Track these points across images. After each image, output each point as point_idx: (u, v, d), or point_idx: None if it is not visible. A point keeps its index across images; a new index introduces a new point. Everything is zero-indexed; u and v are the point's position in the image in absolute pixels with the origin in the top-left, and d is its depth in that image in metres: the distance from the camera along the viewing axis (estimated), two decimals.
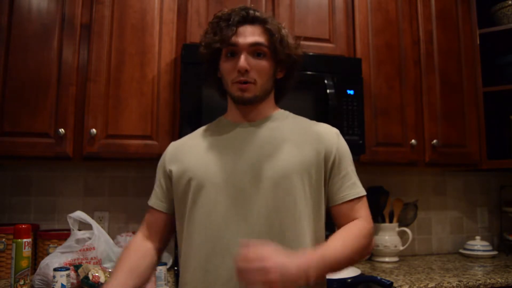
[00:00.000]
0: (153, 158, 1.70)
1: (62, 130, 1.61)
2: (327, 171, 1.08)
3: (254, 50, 1.05)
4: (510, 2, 2.18)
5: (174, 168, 1.12)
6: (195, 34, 1.78)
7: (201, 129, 1.20)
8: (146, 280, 1.09)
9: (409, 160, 1.99)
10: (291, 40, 1.11)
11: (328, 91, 1.75)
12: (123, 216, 1.97)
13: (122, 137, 1.68)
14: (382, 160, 1.96)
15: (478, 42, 2.16)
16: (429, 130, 2.03)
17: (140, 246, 1.13)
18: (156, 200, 1.16)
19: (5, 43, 1.60)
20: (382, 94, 1.98)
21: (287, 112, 1.18)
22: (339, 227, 1.09)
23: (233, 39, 1.04)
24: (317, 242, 1.04)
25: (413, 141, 1.98)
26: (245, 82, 1.04)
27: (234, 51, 1.06)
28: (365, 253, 1.05)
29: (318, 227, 1.07)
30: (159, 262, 1.19)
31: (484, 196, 2.51)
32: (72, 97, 1.65)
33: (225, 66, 1.07)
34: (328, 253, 0.95)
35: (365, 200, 1.11)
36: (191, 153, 1.11)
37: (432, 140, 2.02)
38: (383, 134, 1.95)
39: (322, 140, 1.09)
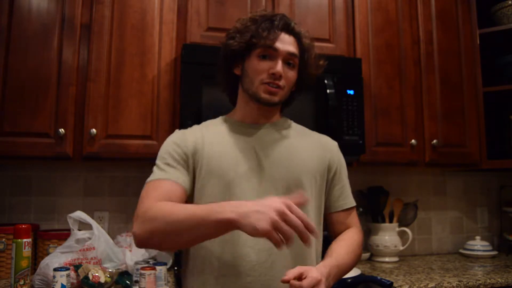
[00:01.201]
0: (153, 158, 1.70)
1: (62, 130, 1.61)
2: (329, 179, 1.17)
3: (289, 59, 1.10)
4: (510, 2, 2.18)
5: (199, 161, 1.07)
6: (195, 34, 1.78)
7: (208, 124, 1.18)
8: None
9: (409, 160, 1.99)
10: (318, 60, 1.17)
11: (328, 91, 1.75)
12: (123, 216, 1.97)
13: (122, 137, 1.68)
14: (382, 160, 1.96)
15: (478, 42, 2.16)
16: (429, 130, 2.03)
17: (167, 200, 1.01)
18: (177, 173, 1.05)
19: (5, 43, 1.60)
20: (382, 94, 1.98)
21: (288, 119, 1.24)
22: (334, 233, 1.19)
23: (276, 43, 1.07)
24: (318, 243, 1.14)
25: (413, 141, 1.98)
26: (277, 86, 1.08)
27: (271, 55, 1.08)
28: (360, 258, 1.16)
29: (319, 229, 1.14)
30: None
31: (484, 196, 2.51)
32: (72, 97, 1.65)
33: (257, 66, 1.08)
34: (341, 262, 1.03)
35: (355, 209, 1.23)
36: (217, 151, 1.08)
37: (432, 140, 2.02)
38: (383, 134, 1.95)
39: (326, 150, 1.18)
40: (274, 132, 1.15)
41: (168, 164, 1.07)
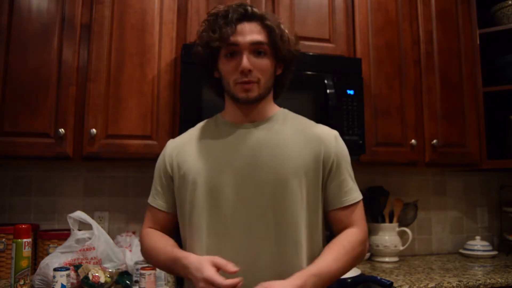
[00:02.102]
0: (153, 158, 1.69)
1: (62, 130, 1.61)
2: (325, 175, 1.07)
3: (255, 48, 1.03)
4: (510, 2, 2.18)
5: (174, 168, 1.10)
6: (195, 34, 1.77)
7: (199, 127, 1.18)
8: None
9: (409, 160, 1.99)
10: (290, 35, 1.09)
11: (328, 91, 1.75)
12: (123, 216, 1.97)
13: (122, 137, 1.68)
14: (382, 160, 1.96)
15: (478, 42, 2.16)
16: (429, 130, 2.03)
17: (156, 231, 1.14)
18: (159, 201, 1.14)
19: (5, 43, 1.60)
20: (382, 94, 1.98)
21: (286, 111, 1.16)
22: (335, 232, 1.10)
23: (233, 38, 1.01)
24: (313, 247, 1.05)
25: (413, 141, 1.98)
26: (249, 82, 1.03)
27: (235, 51, 1.03)
28: (361, 259, 1.08)
29: (315, 230, 1.06)
30: None
31: (484, 196, 2.51)
32: (72, 97, 1.65)
33: (226, 66, 1.05)
34: (323, 270, 0.96)
35: (361, 205, 1.10)
36: (191, 154, 1.10)
37: (432, 140, 2.02)
38: (383, 134, 1.95)
39: (321, 143, 1.07)
40: (263, 130, 1.08)
41: (155, 188, 1.15)
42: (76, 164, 1.81)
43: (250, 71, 1.02)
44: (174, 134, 1.71)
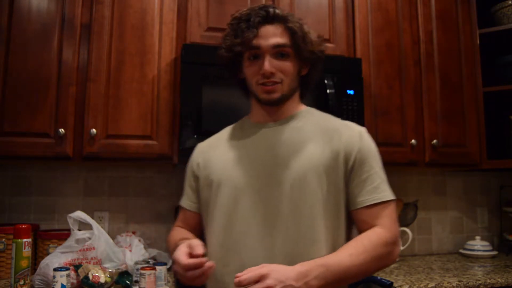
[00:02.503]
0: (153, 158, 1.71)
1: (62, 130, 1.61)
2: (347, 173, 1.03)
3: (277, 51, 1.04)
4: (510, 2, 2.18)
5: (200, 169, 1.14)
6: (195, 34, 1.78)
7: (227, 129, 1.21)
8: None
9: (409, 160, 1.99)
10: (313, 36, 1.09)
11: (328, 91, 1.75)
12: (123, 216, 1.97)
13: (122, 137, 1.68)
14: (382, 160, 1.95)
15: (478, 42, 2.16)
16: (429, 130, 2.03)
17: (180, 228, 1.20)
18: (187, 201, 1.20)
19: (5, 43, 1.60)
20: (382, 94, 1.98)
21: (312, 109, 1.15)
22: (359, 233, 1.04)
23: (255, 41, 1.02)
24: (335, 248, 1.00)
25: (413, 141, 1.98)
26: (272, 84, 1.03)
27: (257, 54, 1.04)
28: (386, 262, 1.01)
29: (336, 230, 1.03)
30: None
31: (484, 196, 2.51)
32: (72, 97, 1.65)
33: (249, 69, 1.06)
34: (332, 262, 0.92)
35: (390, 205, 1.03)
36: (215, 155, 1.13)
37: (432, 140, 2.02)
38: (383, 134, 1.95)
39: (342, 140, 1.04)
40: (285, 129, 1.08)
41: (185, 189, 1.21)
42: (76, 164, 1.81)
43: (272, 73, 1.03)
44: (174, 134, 1.72)
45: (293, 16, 1.07)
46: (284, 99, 1.07)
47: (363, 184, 1.02)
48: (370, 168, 1.04)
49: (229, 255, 1.01)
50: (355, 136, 1.05)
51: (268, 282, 0.82)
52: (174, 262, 0.92)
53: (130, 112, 1.69)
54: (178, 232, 1.18)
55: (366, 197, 1.02)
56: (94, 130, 1.63)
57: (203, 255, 0.90)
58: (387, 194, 1.04)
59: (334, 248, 1.00)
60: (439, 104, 2.07)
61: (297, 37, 1.04)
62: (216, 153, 1.14)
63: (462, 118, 2.10)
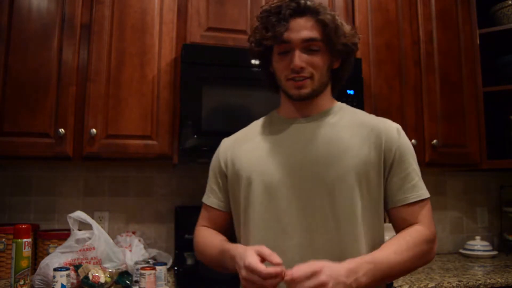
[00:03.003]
0: (153, 158, 1.71)
1: (62, 130, 1.61)
2: (386, 170, 1.01)
3: (308, 45, 1.00)
4: (510, 2, 2.18)
5: (228, 166, 1.11)
6: (195, 34, 1.78)
7: (254, 124, 1.17)
8: None
9: None
10: (346, 28, 1.04)
11: None
12: (123, 216, 1.97)
13: (122, 137, 1.68)
14: None
15: (478, 42, 2.16)
16: (429, 130, 2.03)
17: (207, 229, 1.15)
18: (214, 199, 1.15)
19: (5, 43, 1.60)
20: (382, 94, 1.98)
21: (344, 105, 1.12)
22: (397, 231, 1.04)
23: (286, 35, 0.99)
24: (375, 245, 0.99)
25: (413, 141, 1.97)
26: (302, 79, 1.01)
27: (288, 48, 1.01)
28: (427, 259, 1.00)
29: (376, 230, 1.02)
30: None
31: (484, 196, 2.51)
32: (72, 97, 1.65)
33: (279, 64, 1.04)
34: (379, 259, 0.91)
35: (427, 203, 1.03)
36: (244, 150, 1.09)
37: (432, 140, 2.02)
38: None
39: (381, 138, 1.01)
40: (317, 124, 1.05)
41: (210, 187, 1.17)
42: (76, 164, 1.81)
43: (302, 68, 1.00)
44: (174, 134, 1.72)
45: (325, 8, 1.02)
46: (314, 95, 1.04)
47: (402, 182, 1.01)
48: (409, 166, 1.03)
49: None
50: (393, 132, 1.03)
51: (322, 278, 0.80)
52: (244, 268, 0.86)
53: (130, 112, 1.69)
54: (211, 233, 1.12)
55: (406, 195, 1.01)
56: (94, 130, 1.63)
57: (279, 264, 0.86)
58: (424, 192, 1.04)
59: (373, 246, 0.98)
60: (439, 104, 2.07)
61: (328, 30, 1.00)
62: (245, 148, 1.10)
63: (462, 118, 2.10)
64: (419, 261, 0.97)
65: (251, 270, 0.84)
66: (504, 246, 2.33)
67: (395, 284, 1.57)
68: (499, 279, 1.66)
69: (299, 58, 0.99)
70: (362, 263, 0.88)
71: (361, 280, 0.86)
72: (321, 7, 1.02)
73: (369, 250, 0.97)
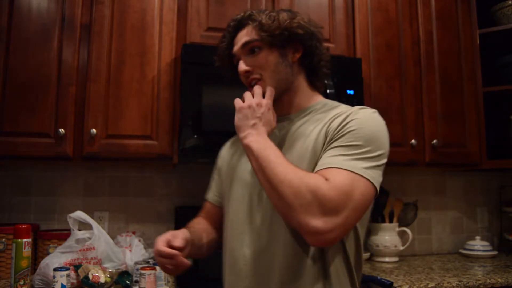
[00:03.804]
0: (153, 158, 1.70)
1: (62, 130, 1.61)
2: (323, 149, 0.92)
3: (248, 48, 1.02)
4: (510, 2, 2.18)
5: (219, 163, 1.19)
6: (195, 34, 1.78)
7: None
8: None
9: (409, 160, 1.99)
10: (282, 17, 1.00)
11: (328, 91, 1.75)
12: (123, 216, 1.97)
13: (122, 137, 1.68)
14: None
15: (478, 42, 2.16)
16: (429, 130, 2.03)
17: (203, 222, 1.18)
18: (210, 193, 1.22)
19: (5, 43, 1.60)
20: (382, 94, 1.98)
21: (329, 102, 1.04)
22: None
23: (233, 51, 1.06)
24: None
25: (413, 141, 1.98)
26: (254, 82, 1.01)
27: (237, 60, 1.05)
28: (301, 204, 0.80)
29: None
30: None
31: (484, 196, 2.51)
32: (72, 97, 1.65)
33: (238, 74, 1.07)
34: (271, 149, 0.89)
35: (343, 173, 0.83)
36: (231, 150, 1.16)
37: (432, 140, 2.02)
38: None
39: (327, 123, 0.94)
40: (286, 127, 1.02)
41: (211, 181, 1.23)
42: (76, 164, 1.80)
43: (247, 72, 1.02)
44: (174, 134, 1.72)
45: (260, 11, 1.03)
46: (277, 93, 1.00)
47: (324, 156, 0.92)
48: (339, 142, 0.91)
49: (232, 249, 1.02)
50: (340, 116, 0.94)
51: None
52: (154, 254, 0.93)
53: (130, 112, 1.69)
54: (194, 221, 1.17)
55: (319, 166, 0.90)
56: (94, 130, 1.63)
57: (180, 249, 0.91)
58: (339, 162, 0.88)
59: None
60: (439, 104, 2.07)
61: (262, 25, 0.99)
62: (232, 148, 1.16)
63: (462, 118, 2.10)
64: (292, 197, 0.81)
65: (156, 254, 0.91)
66: (504, 246, 2.33)
67: (395, 284, 1.57)
68: (499, 279, 1.66)
69: (242, 63, 1.03)
70: (261, 133, 0.93)
71: (250, 138, 0.92)
72: (257, 12, 1.04)
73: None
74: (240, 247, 0.99)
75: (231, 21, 1.08)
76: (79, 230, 1.58)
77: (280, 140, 1.01)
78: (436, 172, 2.42)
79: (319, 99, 1.07)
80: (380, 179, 0.88)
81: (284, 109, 1.05)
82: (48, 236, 1.69)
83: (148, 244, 1.90)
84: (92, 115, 1.66)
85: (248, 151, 0.92)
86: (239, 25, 1.05)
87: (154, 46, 1.74)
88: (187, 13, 1.79)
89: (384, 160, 0.90)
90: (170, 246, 0.91)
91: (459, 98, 2.12)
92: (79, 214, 1.57)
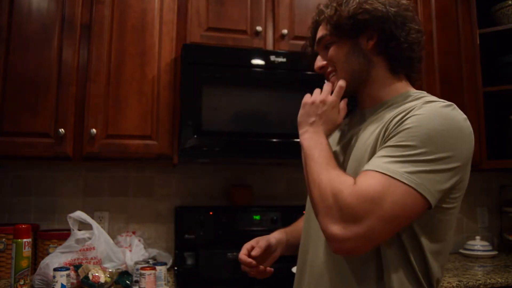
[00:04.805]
0: (153, 158, 1.71)
1: (62, 130, 1.61)
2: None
3: (323, 46, 0.99)
4: (510, 2, 2.18)
5: None
6: (195, 34, 1.78)
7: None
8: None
9: None
10: (349, 4, 0.91)
11: None
12: (123, 216, 1.97)
13: (122, 137, 1.68)
14: None
15: (478, 42, 2.16)
16: None
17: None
18: None
19: (5, 43, 1.60)
20: None
21: (415, 95, 0.93)
22: None
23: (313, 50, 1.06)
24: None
25: None
26: (330, 76, 0.99)
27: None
28: (325, 205, 0.77)
29: None
30: None
31: (484, 196, 2.51)
32: (72, 97, 1.65)
33: None
34: (318, 148, 0.86)
35: (379, 176, 0.75)
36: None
37: None
38: None
39: (386, 121, 0.86)
40: (358, 121, 1.00)
41: None
42: (76, 164, 1.81)
43: (322, 67, 1.00)
44: (174, 134, 1.72)
45: (329, 3, 0.96)
46: (352, 85, 0.95)
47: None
48: (391, 142, 0.82)
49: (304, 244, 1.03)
50: (400, 114, 0.84)
51: None
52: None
53: (130, 112, 1.69)
54: (300, 218, 1.15)
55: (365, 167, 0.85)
56: (94, 130, 1.63)
57: (256, 258, 1.02)
58: (379, 166, 0.80)
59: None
60: None
61: (330, 18, 0.94)
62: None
63: None
64: (316, 196, 0.80)
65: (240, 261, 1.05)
66: (504, 246, 2.33)
67: None
68: (499, 279, 1.66)
69: (317, 60, 1.01)
70: (319, 132, 0.91)
71: (306, 134, 0.91)
72: (325, 6, 0.97)
73: None
74: (306, 246, 1.01)
75: (311, 23, 1.06)
76: (79, 230, 1.58)
77: (349, 138, 0.98)
78: None
79: (403, 90, 0.95)
80: (438, 187, 0.77)
81: (364, 103, 1.00)
82: (48, 236, 1.69)
83: (148, 244, 1.90)
84: (92, 115, 1.66)
85: (302, 148, 0.91)
86: (317, 24, 1.02)
87: (154, 46, 1.74)
88: (187, 13, 1.79)
89: (450, 165, 0.81)
90: (249, 254, 1.04)
91: (459, 98, 2.11)
92: (79, 214, 1.57)
